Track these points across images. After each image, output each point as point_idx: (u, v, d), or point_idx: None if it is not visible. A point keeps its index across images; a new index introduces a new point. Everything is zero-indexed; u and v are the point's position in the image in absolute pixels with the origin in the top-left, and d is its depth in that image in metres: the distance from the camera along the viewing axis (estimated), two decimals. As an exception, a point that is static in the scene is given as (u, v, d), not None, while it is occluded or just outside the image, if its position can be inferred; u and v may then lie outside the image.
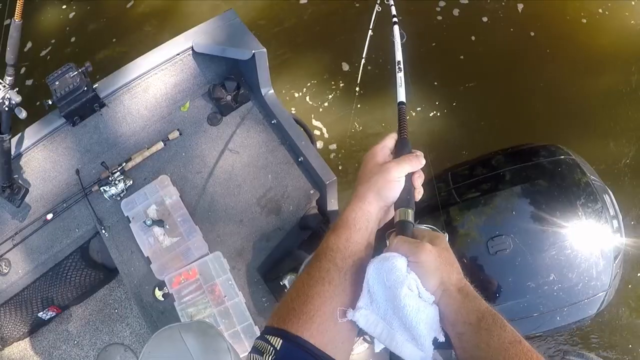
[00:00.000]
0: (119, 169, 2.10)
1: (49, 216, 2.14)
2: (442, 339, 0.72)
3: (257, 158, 2.10)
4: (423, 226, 0.94)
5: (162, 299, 1.99)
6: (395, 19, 1.54)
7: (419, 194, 0.85)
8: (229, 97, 2.19)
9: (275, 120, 2.12)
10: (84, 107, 2.04)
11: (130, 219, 2.05)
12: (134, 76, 2.12)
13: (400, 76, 1.06)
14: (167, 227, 2.02)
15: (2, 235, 2.08)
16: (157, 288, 2.01)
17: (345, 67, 3.42)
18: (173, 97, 2.18)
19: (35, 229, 2.13)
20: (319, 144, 3.17)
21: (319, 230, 2.01)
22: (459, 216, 1.83)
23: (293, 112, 3.24)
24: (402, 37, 1.25)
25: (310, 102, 3.34)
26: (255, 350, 0.69)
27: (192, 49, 2.15)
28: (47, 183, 2.13)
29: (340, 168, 3.13)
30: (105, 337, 2.41)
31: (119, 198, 2.10)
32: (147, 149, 2.13)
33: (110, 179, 2.07)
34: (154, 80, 2.14)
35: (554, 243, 1.70)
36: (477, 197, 1.82)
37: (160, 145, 2.12)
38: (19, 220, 2.13)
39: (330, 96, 3.36)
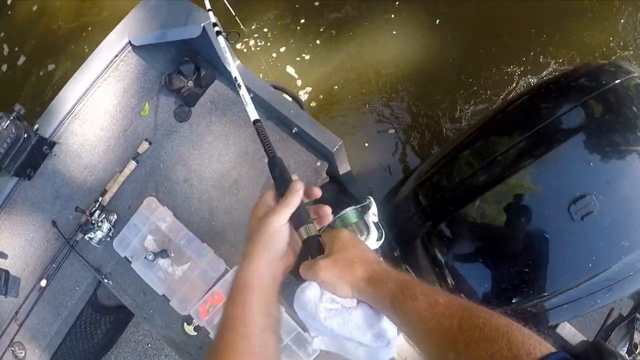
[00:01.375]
0: (96, 206, 1.82)
1: (43, 282, 1.92)
2: (388, 323, 0.75)
3: (245, 144, 1.79)
4: (348, 210, 0.97)
5: (195, 333, 1.78)
6: (217, 29, 1.51)
7: (316, 194, 0.86)
8: (190, 84, 1.87)
9: (252, 94, 1.79)
10: (33, 156, 1.83)
11: (130, 259, 1.79)
12: (76, 98, 1.87)
13: (242, 94, 1.03)
14: (173, 255, 1.76)
15: (3, 319, 1.84)
16: (185, 323, 1.79)
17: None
18: (128, 104, 1.87)
19: (35, 301, 1.92)
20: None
21: (339, 202, 1.71)
22: (513, 189, 1.49)
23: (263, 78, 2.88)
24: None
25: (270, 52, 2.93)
26: None
27: (131, 44, 1.82)
28: (27, 248, 1.90)
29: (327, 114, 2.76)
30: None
31: (109, 239, 1.82)
32: (120, 172, 1.84)
33: (91, 221, 1.77)
34: (100, 94, 1.86)
35: (635, 188, 1.43)
36: (534, 158, 1.47)
37: (133, 164, 1.84)
38: (13, 297, 1.88)
39: (291, 40, 2.94)
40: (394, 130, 2.75)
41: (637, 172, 1.44)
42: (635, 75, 1.58)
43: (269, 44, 3.06)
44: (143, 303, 1.84)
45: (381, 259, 0.79)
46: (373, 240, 0.97)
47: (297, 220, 0.83)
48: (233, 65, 1.20)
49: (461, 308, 0.64)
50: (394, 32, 2.96)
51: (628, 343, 1.92)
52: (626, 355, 1.88)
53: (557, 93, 1.55)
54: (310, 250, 0.82)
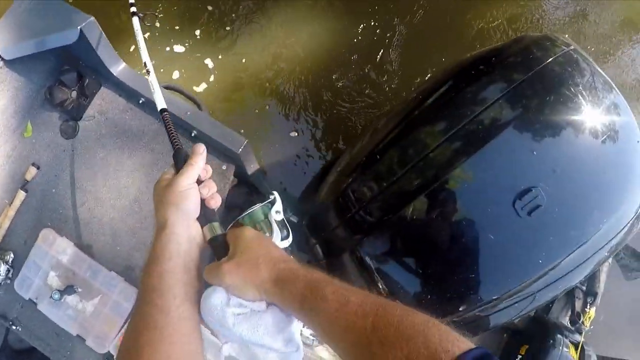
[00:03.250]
0: (-11, 247, 1.63)
1: (-53, 338, 1.72)
2: (297, 327, 0.75)
3: (141, 155, 1.64)
4: (254, 207, 0.92)
5: None
6: (133, 9, 1.42)
7: (214, 201, 0.84)
8: (74, 94, 1.73)
9: (142, 99, 1.63)
10: None
11: (35, 300, 1.64)
12: None
13: (151, 80, 1.01)
14: (80, 290, 1.64)
15: None
16: None
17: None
18: (8, 126, 1.73)
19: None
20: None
21: (251, 204, 1.57)
22: (450, 189, 1.34)
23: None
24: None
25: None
26: None
27: (2, 59, 1.64)
28: None
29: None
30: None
31: (9, 281, 1.67)
32: (10, 205, 1.67)
33: (-15, 264, 1.61)
34: None
35: (588, 167, 1.35)
36: (470, 153, 1.33)
37: (22, 194, 1.67)
38: None
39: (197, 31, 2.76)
40: (295, 134, 2.57)
41: (581, 157, 1.35)
42: (572, 48, 1.47)
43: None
44: (58, 346, 1.72)
45: (290, 257, 0.77)
46: (277, 241, 0.91)
47: (202, 219, 0.81)
48: (144, 50, 1.13)
49: (375, 306, 0.62)
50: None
51: (570, 312, 1.90)
52: (569, 324, 1.88)
53: (488, 75, 1.43)
54: (216, 250, 0.81)
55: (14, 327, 1.73)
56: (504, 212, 1.29)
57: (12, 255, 1.74)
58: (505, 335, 1.96)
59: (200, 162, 0.83)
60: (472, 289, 1.31)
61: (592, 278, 1.89)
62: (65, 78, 1.75)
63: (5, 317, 1.74)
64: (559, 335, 1.78)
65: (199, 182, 0.83)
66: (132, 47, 2.73)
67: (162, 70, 2.68)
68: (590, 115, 1.33)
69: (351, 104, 2.57)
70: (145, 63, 1.06)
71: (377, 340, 0.58)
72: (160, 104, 0.96)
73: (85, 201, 1.71)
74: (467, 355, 0.51)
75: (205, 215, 0.82)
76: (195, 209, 0.80)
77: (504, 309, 1.39)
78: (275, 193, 1.11)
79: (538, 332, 1.80)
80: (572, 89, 1.36)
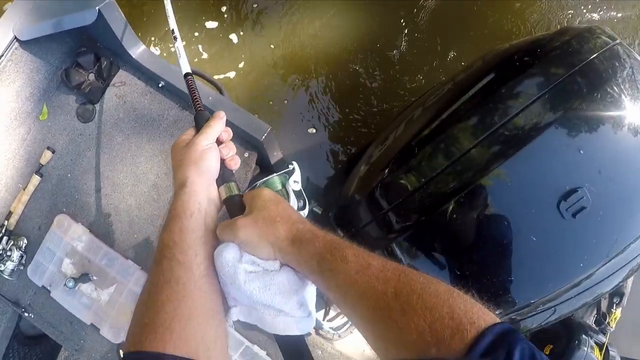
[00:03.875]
0: (3, 232, 1.64)
1: (-42, 325, 1.70)
2: (311, 292, 0.73)
3: (160, 140, 1.61)
4: (272, 176, 1.00)
5: None
6: None
7: (234, 162, 0.85)
8: (91, 77, 1.68)
9: (162, 83, 1.60)
10: None
11: (48, 287, 1.61)
12: None
13: (177, 46, 1.02)
14: (95, 278, 1.60)
15: None
16: (121, 351, 1.60)
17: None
18: (23, 109, 1.68)
19: (-49, 347, 1.70)
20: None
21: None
22: (491, 189, 1.29)
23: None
24: None
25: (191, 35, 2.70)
26: None
27: (17, 40, 1.61)
28: None
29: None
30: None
31: (22, 267, 1.64)
32: (24, 189, 1.64)
33: (-2, 250, 1.59)
34: None
35: (634, 169, 1.29)
36: (510, 154, 1.28)
37: (37, 178, 1.65)
38: None
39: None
40: (314, 130, 2.53)
41: (628, 157, 1.31)
42: (618, 42, 1.42)
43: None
44: (71, 334, 1.69)
45: (307, 220, 0.75)
46: None
47: (219, 179, 0.82)
48: (172, 17, 1.11)
49: (397, 272, 0.61)
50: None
51: (596, 313, 1.88)
52: (594, 325, 1.85)
53: (532, 67, 1.36)
54: (231, 209, 0.80)
55: (26, 314, 1.71)
56: (548, 213, 1.25)
57: (25, 241, 1.71)
58: (528, 334, 1.94)
59: (219, 124, 0.84)
60: (510, 292, 1.28)
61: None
62: (83, 60, 1.71)
63: (17, 303, 1.71)
64: (584, 336, 1.74)
65: (220, 143, 0.85)
66: (154, 37, 2.71)
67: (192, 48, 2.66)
68: (636, 113, 1.29)
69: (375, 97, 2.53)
70: (172, 30, 1.06)
71: (399, 306, 0.57)
72: (185, 68, 0.96)
73: (102, 187, 1.68)
74: (493, 329, 0.50)
75: (223, 176, 0.83)
76: (215, 169, 0.81)
77: (538, 313, 1.36)
78: (295, 163, 1.10)
79: (563, 332, 1.76)
80: (618, 86, 1.31)
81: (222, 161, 0.83)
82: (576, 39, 1.39)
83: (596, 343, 1.78)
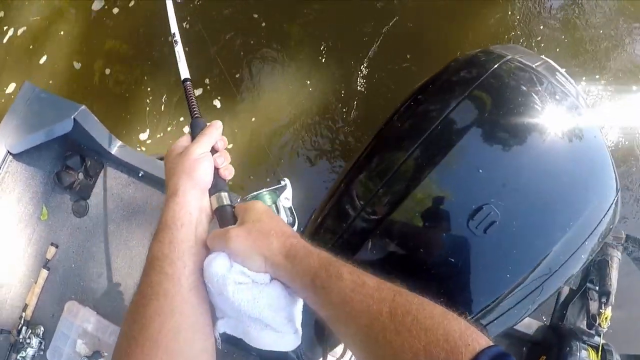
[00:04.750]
0: (21, 323, 1.85)
1: (-9, 412, 1.91)
2: (299, 308, 0.73)
3: (148, 223, 1.86)
4: (262, 191, 0.93)
5: None
6: None
7: (228, 172, 0.84)
8: (80, 176, 1.93)
9: (141, 172, 1.83)
10: None
11: (66, 367, 1.80)
12: None
13: (177, 50, 1.01)
14: (106, 354, 1.85)
15: None
16: None
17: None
18: (25, 213, 1.94)
19: None
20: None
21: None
22: (404, 213, 1.41)
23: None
24: None
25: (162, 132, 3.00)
26: None
27: (10, 154, 1.84)
28: None
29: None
30: None
31: (41, 352, 1.86)
32: (35, 283, 1.86)
33: (19, 339, 1.81)
34: None
35: (545, 173, 1.36)
36: (418, 178, 1.39)
37: (45, 272, 1.87)
38: None
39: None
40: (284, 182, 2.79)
41: (530, 165, 1.38)
42: (509, 57, 1.53)
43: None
44: (93, 408, 1.88)
45: (302, 237, 0.75)
46: None
47: (212, 187, 0.81)
48: (173, 20, 1.13)
49: (392, 292, 0.61)
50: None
51: (585, 315, 1.92)
52: (587, 328, 1.89)
53: (424, 103, 1.51)
54: (222, 220, 0.79)
55: (51, 395, 1.93)
56: (460, 233, 1.34)
57: (42, 328, 1.94)
58: (524, 348, 2.02)
59: (215, 133, 0.83)
60: (450, 307, 1.44)
61: (602, 277, 1.90)
62: (71, 162, 1.96)
63: (41, 385, 1.94)
64: (575, 342, 1.82)
65: (215, 152, 0.83)
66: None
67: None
68: (533, 122, 1.38)
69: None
70: (173, 33, 1.08)
71: (393, 327, 0.57)
72: (184, 73, 0.96)
73: (103, 272, 1.91)
74: (488, 352, 0.51)
75: (216, 185, 0.82)
76: (207, 179, 0.80)
77: (489, 323, 1.51)
78: (287, 180, 1.15)
79: (554, 340, 1.84)
80: (513, 100, 1.40)
81: (216, 170, 0.82)
82: (467, 63, 1.52)
83: (591, 346, 1.83)
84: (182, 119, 3.08)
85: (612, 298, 1.92)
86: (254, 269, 0.70)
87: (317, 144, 2.88)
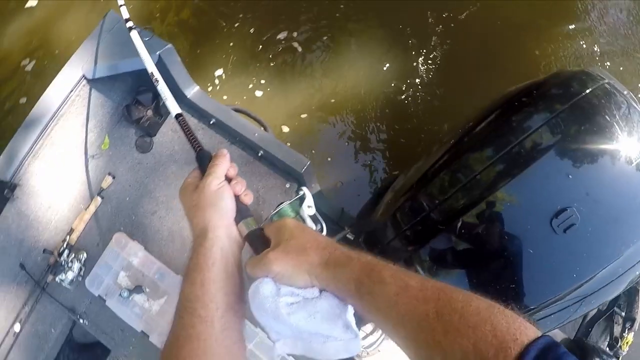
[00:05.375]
0: (64, 246, 1.88)
1: (17, 327, 1.96)
2: (350, 312, 0.72)
3: (211, 170, 1.83)
4: (283, 204, 0.98)
5: None
6: (130, 24, 1.52)
7: (248, 198, 0.86)
8: (149, 113, 1.93)
9: (213, 120, 1.86)
10: None
11: (104, 297, 1.86)
12: (33, 138, 1.97)
13: (160, 88, 1.03)
14: (148, 290, 1.84)
15: None
16: None
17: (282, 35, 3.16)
18: (87, 139, 1.94)
19: (9, 347, 1.97)
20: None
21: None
22: (494, 208, 1.56)
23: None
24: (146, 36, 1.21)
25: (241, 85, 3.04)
26: None
27: (85, 78, 1.87)
28: None
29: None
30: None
31: (80, 278, 1.89)
32: (85, 210, 1.89)
33: (60, 262, 1.82)
34: (57, 131, 1.97)
35: (619, 192, 1.53)
36: (512, 176, 1.55)
37: (98, 200, 1.90)
38: (-15, 344, 1.93)
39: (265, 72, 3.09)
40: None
41: (614, 179, 1.55)
42: (606, 81, 1.67)
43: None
44: (122, 341, 1.92)
45: (338, 244, 0.76)
46: None
47: (237, 215, 0.82)
48: (148, 60, 1.19)
49: (436, 291, 0.61)
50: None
51: (609, 337, 2.01)
52: (608, 349, 1.98)
53: (529, 106, 1.64)
54: (254, 245, 0.80)
55: (81, 321, 1.95)
56: (542, 229, 1.49)
57: (85, 254, 1.96)
58: None
59: (224, 161, 0.84)
60: (512, 299, 1.54)
61: (630, 304, 2.07)
62: (142, 97, 1.99)
63: (74, 311, 1.95)
64: (596, 358, 1.91)
65: (229, 180, 0.84)
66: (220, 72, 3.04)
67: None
68: (623, 144, 1.53)
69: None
70: (152, 73, 1.10)
71: (441, 327, 0.57)
72: (175, 109, 0.98)
73: (157, 210, 1.94)
74: (535, 344, 0.50)
75: (240, 212, 0.82)
76: (232, 207, 0.81)
77: (538, 321, 1.61)
78: (305, 189, 1.18)
79: (577, 353, 1.95)
80: (607, 119, 1.56)
81: (236, 197, 0.83)
82: (570, 79, 1.68)
83: None
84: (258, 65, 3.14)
85: (637, 325, 2.03)
86: (301, 285, 0.72)
87: (365, 131, 2.95)
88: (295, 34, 3.12)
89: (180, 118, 0.96)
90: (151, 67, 1.11)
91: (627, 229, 1.52)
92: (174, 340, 0.73)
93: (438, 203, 1.63)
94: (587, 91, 1.61)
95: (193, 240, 0.82)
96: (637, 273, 1.64)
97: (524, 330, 0.53)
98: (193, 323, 0.72)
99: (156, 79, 1.05)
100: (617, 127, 1.56)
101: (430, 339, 0.57)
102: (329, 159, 2.85)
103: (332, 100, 3.00)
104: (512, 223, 1.54)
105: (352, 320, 0.71)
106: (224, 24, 3.22)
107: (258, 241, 0.80)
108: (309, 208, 1.04)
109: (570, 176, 1.52)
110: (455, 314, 0.56)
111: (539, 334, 0.53)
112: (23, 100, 3.21)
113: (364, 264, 0.68)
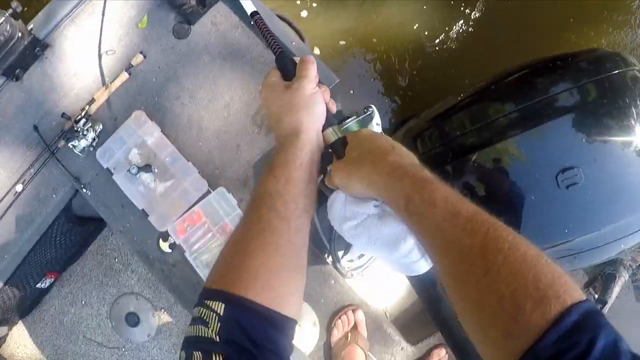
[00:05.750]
0: (82, 114, 1.89)
1: (19, 187, 1.98)
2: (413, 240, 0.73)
3: (241, 69, 1.88)
4: (351, 120, 1.00)
5: (170, 250, 1.90)
6: None
7: (334, 106, 0.86)
8: (193, 1, 1.91)
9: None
10: (24, 56, 1.92)
11: (112, 170, 1.89)
12: (75, 2, 1.93)
13: None
14: (156, 170, 1.86)
15: None
16: (161, 240, 1.90)
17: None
18: (126, 14, 1.96)
19: (8, 205, 1.99)
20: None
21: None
22: (508, 152, 1.66)
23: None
24: None
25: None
26: (198, 320, 0.64)
27: (134, -46, 1.87)
28: (4, 150, 2.01)
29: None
30: (113, 290, 2.45)
31: (92, 149, 1.90)
32: (111, 83, 1.89)
33: (75, 129, 1.84)
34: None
35: (623, 170, 1.64)
36: (532, 126, 1.64)
37: (125, 75, 1.92)
38: (-15, 199, 1.95)
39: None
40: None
41: (622, 158, 1.65)
42: (637, 68, 1.73)
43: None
44: (120, 216, 1.94)
45: (408, 152, 0.76)
46: None
47: (325, 122, 0.83)
48: None
49: (485, 225, 0.58)
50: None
51: None
52: None
53: (562, 69, 1.72)
54: (337, 153, 0.82)
55: (84, 191, 1.97)
56: (548, 181, 1.59)
57: (101, 126, 1.97)
58: None
59: (314, 67, 0.85)
60: None
61: (605, 288, 2.17)
62: (188, -16, 1.99)
63: (79, 179, 1.98)
64: None
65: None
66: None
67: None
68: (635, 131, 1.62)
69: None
70: None
71: (482, 265, 0.54)
72: (249, 7, 0.94)
73: (181, 96, 1.95)
74: (579, 307, 0.48)
75: (328, 120, 0.84)
76: (323, 112, 0.82)
77: None
78: (373, 107, 1.19)
79: None
80: (628, 103, 1.64)
81: (327, 107, 0.84)
82: (604, 57, 1.75)
83: None
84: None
85: (606, 309, 2.20)
86: (360, 195, 0.75)
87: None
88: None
89: (257, 16, 0.93)
90: None
91: (623, 201, 1.63)
92: (246, 231, 0.73)
93: (455, 136, 1.68)
94: (617, 71, 1.68)
95: (280, 137, 0.82)
96: (623, 247, 1.71)
97: (568, 289, 0.50)
98: (270, 217, 0.72)
99: None
100: (636, 111, 1.61)
101: (469, 275, 0.56)
102: (352, 92, 2.87)
103: (373, 39, 3.03)
104: (521, 170, 1.64)
105: (411, 248, 0.72)
106: None
107: (341, 149, 0.81)
108: (377, 126, 1.05)
109: (583, 140, 1.61)
110: (500, 255, 0.54)
111: (584, 297, 0.50)
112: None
113: (418, 179, 0.66)
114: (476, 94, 1.80)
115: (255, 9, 0.94)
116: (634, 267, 2.28)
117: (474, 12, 2.98)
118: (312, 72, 0.83)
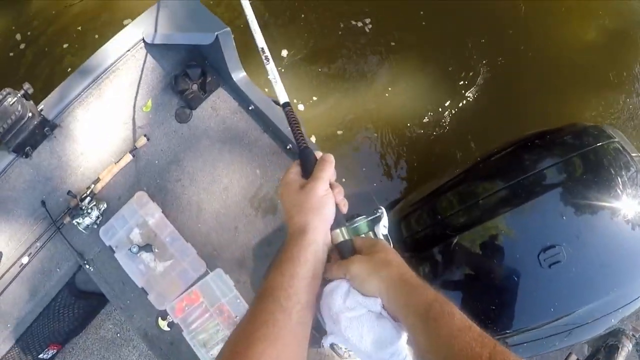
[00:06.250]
0: (88, 193, 1.98)
1: (24, 260, 2.05)
2: (402, 340, 0.78)
3: (239, 153, 1.98)
4: (359, 220, 0.97)
5: (169, 329, 1.95)
6: None
7: (345, 207, 0.90)
8: (195, 87, 2.05)
9: (252, 106, 1.98)
10: (34, 135, 2.01)
11: (114, 248, 1.96)
12: (83, 85, 2.07)
13: (270, 69, 0.96)
14: (156, 250, 1.94)
15: None
16: (160, 318, 1.96)
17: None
18: (131, 98, 2.08)
19: (13, 277, 2.06)
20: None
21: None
22: (490, 232, 1.72)
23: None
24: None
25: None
26: None
27: (144, 41, 1.98)
28: (12, 223, 2.06)
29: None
30: (115, 365, 2.46)
31: (95, 226, 1.98)
32: (115, 163, 2.00)
33: (81, 206, 1.93)
34: (107, 84, 2.06)
35: (608, 243, 1.68)
36: (513, 206, 1.71)
37: (129, 157, 2.01)
38: (-8, 269, 2.03)
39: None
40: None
41: (606, 231, 1.70)
42: (616, 140, 1.80)
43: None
44: (121, 293, 2.02)
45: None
46: None
47: (333, 224, 0.87)
48: (259, 34, 1.01)
49: (492, 341, 0.66)
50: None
51: None
52: None
53: (541, 148, 1.78)
54: (342, 253, 0.87)
55: (87, 267, 2.05)
56: (530, 260, 1.63)
57: (105, 205, 2.07)
58: None
59: (331, 168, 0.88)
60: (491, 319, 1.65)
61: (610, 357, 2.17)
62: (191, 71, 2.11)
63: (82, 255, 2.06)
64: None
65: (331, 186, 0.89)
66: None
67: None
68: (625, 203, 1.67)
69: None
70: (262, 49, 0.97)
71: None
72: (283, 97, 0.93)
73: (181, 178, 2.05)
74: None
75: (335, 220, 0.87)
76: (332, 215, 0.86)
77: (513, 346, 1.72)
78: (382, 208, 1.25)
79: None
80: (612, 175, 1.69)
81: (336, 205, 0.87)
82: (583, 131, 1.82)
83: None
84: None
85: None
86: (369, 292, 0.79)
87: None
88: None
89: (288, 108, 0.93)
90: (262, 43, 0.99)
91: (608, 277, 1.66)
92: (252, 319, 0.78)
93: (442, 218, 1.77)
94: (597, 145, 1.75)
95: (289, 234, 0.86)
96: (613, 321, 1.76)
97: None
98: (273, 310, 0.76)
99: (266, 56, 0.96)
100: (621, 185, 1.68)
101: None
102: (344, 179, 2.99)
103: (368, 126, 3.19)
104: (503, 250, 1.69)
105: (402, 348, 0.77)
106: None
107: (347, 250, 0.86)
108: (384, 227, 1.10)
109: (564, 217, 1.66)
110: None
111: None
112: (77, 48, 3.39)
113: (437, 295, 0.74)
114: (460, 175, 1.89)
115: (287, 100, 0.94)
116: (637, 336, 2.29)
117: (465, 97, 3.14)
118: (327, 173, 0.86)
